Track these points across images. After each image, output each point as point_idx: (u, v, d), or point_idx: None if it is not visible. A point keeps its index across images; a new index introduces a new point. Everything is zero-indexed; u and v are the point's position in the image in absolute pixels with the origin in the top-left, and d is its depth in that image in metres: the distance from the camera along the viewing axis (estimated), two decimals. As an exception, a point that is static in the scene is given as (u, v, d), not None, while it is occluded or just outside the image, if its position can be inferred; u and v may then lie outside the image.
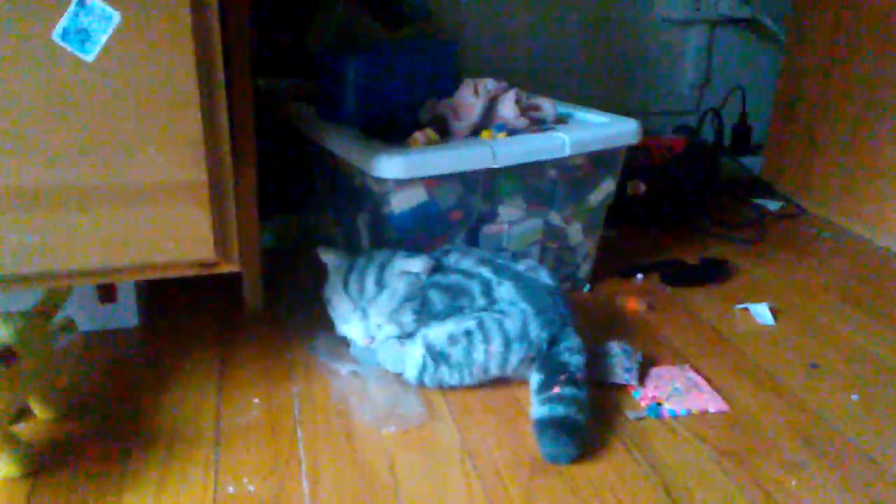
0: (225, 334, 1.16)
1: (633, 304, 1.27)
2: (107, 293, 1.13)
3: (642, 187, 1.58)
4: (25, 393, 0.89)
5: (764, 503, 0.82)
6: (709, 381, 1.05)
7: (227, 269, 0.92)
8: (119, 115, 0.81)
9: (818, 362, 1.10)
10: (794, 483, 0.85)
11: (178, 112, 0.84)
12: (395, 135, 1.16)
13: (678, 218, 1.63)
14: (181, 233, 0.86)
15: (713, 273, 1.39)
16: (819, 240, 1.58)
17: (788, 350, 1.14)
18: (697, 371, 1.07)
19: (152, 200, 0.84)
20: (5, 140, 0.79)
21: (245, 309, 1.21)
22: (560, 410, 0.91)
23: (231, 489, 0.83)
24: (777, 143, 1.83)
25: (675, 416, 0.97)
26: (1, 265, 0.83)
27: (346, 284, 1.06)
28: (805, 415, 0.98)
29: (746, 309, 1.26)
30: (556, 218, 1.25)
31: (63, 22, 0.77)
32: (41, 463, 0.86)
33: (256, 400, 1.00)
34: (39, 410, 0.93)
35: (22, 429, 0.92)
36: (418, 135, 1.15)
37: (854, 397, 1.02)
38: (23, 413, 0.93)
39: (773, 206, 1.74)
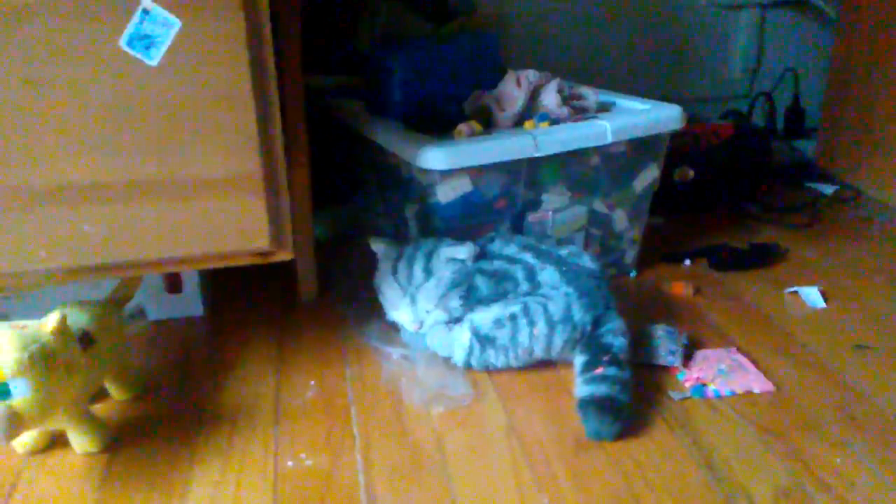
0: (282, 322, 1.22)
1: (680, 289, 1.28)
2: (173, 284, 1.20)
3: (690, 173, 1.58)
4: (102, 375, 0.97)
5: (806, 478, 0.83)
6: (755, 362, 1.06)
7: (282, 257, 0.97)
8: (180, 114, 0.87)
9: (866, 344, 1.10)
10: (837, 460, 0.86)
11: (234, 110, 0.89)
12: (440, 127, 1.20)
13: (727, 203, 1.63)
14: (239, 223, 0.92)
15: (762, 257, 1.38)
16: (873, 223, 1.55)
17: (836, 332, 1.14)
18: (744, 353, 1.08)
19: (212, 193, 0.90)
20: (79, 139, 0.85)
21: (300, 297, 1.27)
22: (603, 389, 0.94)
23: (290, 463, 0.89)
24: (831, 126, 1.80)
25: (719, 397, 0.99)
26: (77, 256, 0.90)
27: (395, 272, 1.10)
28: (850, 394, 0.98)
29: (796, 292, 1.25)
30: (600, 205, 1.27)
31: (129, 29, 0.83)
32: (117, 439, 0.93)
33: (312, 382, 1.05)
34: (115, 391, 1.01)
35: (99, 408, 0.99)
36: (463, 126, 1.18)
37: (903, 377, 1.01)
38: (100, 393, 1.01)
39: (827, 189, 1.72)
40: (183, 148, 0.89)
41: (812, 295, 1.23)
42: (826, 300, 1.23)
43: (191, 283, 1.21)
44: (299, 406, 1.00)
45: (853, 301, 1.23)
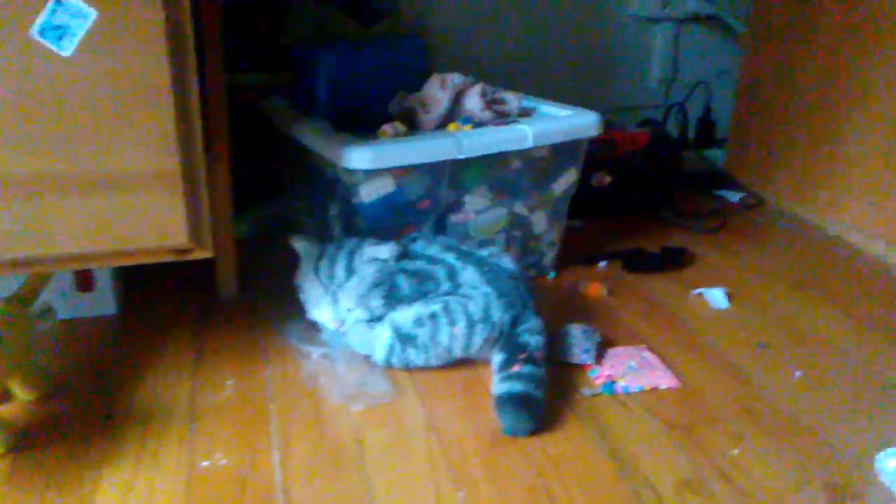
0: (200, 321, 1.20)
1: (595, 290, 1.33)
2: (85, 282, 1.17)
3: (607, 178, 1.64)
4: (6, 375, 0.93)
5: (706, 468, 0.88)
6: (663, 360, 1.11)
7: (200, 255, 0.96)
8: (95, 107, 0.85)
9: (766, 342, 1.17)
10: (736, 452, 0.91)
11: (152, 104, 0.87)
12: (365, 127, 1.20)
13: (641, 208, 1.69)
14: (156, 220, 0.90)
15: (673, 260, 1.44)
16: (775, 229, 1.64)
17: (739, 331, 1.20)
18: (653, 351, 1.13)
19: (127, 188, 0.88)
20: (-15, 131, 0.82)
21: (219, 296, 1.25)
22: (519, 387, 0.97)
23: (205, 463, 0.88)
24: (739, 137, 1.90)
25: (628, 393, 1.03)
26: (-18, 251, 0.86)
27: (316, 270, 1.10)
28: (750, 390, 1.04)
29: (702, 294, 1.32)
30: (520, 207, 1.30)
31: (41, 19, 0.81)
32: (22, 441, 0.90)
33: (230, 381, 1.04)
34: (20, 392, 0.97)
35: (3, 409, 0.96)
36: (387, 127, 1.19)
37: (797, 374, 1.08)
38: (4, 394, 0.97)
39: (734, 197, 1.81)
40: (97, 141, 0.87)
41: (717, 296, 1.30)
42: (730, 301, 1.29)
43: (103, 281, 1.18)
44: (216, 405, 0.99)
45: (755, 302, 1.30)
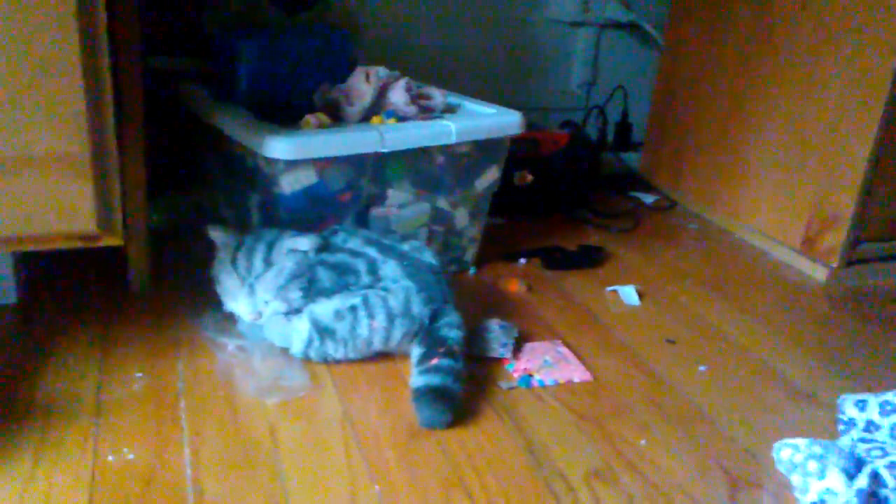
0: (109, 311, 1.15)
1: (514, 286, 1.35)
2: (-18, 268, 1.10)
3: (529, 177, 1.67)
4: None
5: (614, 458, 0.91)
6: (577, 354, 1.14)
7: (109, 242, 0.92)
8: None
9: (674, 338, 1.22)
10: (642, 442, 0.95)
11: (60, 85, 0.84)
12: (287, 117, 1.18)
13: (561, 207, 1.73)
14: (62, 204, 0.86)
15: (589, 258, 1.49)
16: (686, 230, 1.71)
17: (649, 327, 1.25)
18: (568, 346, 1.16)
19: (32, 170, 0.84)
20: None
21: (130, 286, 1.21)
22: (437, 380, 0.97)
23: (111, 458, 0.84)
24: (653, 141, 1.97)
25: (543, 386, 1.05)
26: None
27: (234, 261, 1.08)
28: (658, 383, 1.08)
29: (616, 291, 1.36)
30: (443, 203, 1.31)
31: (-63, -14, 0.76)
32: None
33: (139, 374, 1.00)
34: None
35: None
36: (310, 118, 1.18)
37: (702, 368, 1.13)
38: None
39: (648, 199, 1.87)
40: (1, 121, 0.82)
41: (630, 294, 1.35)
42: (641, 298, 1.34)
43: (1, 267, 1.11)
44: (124, 399, 0.95)
45: (664, 300, 1.36)
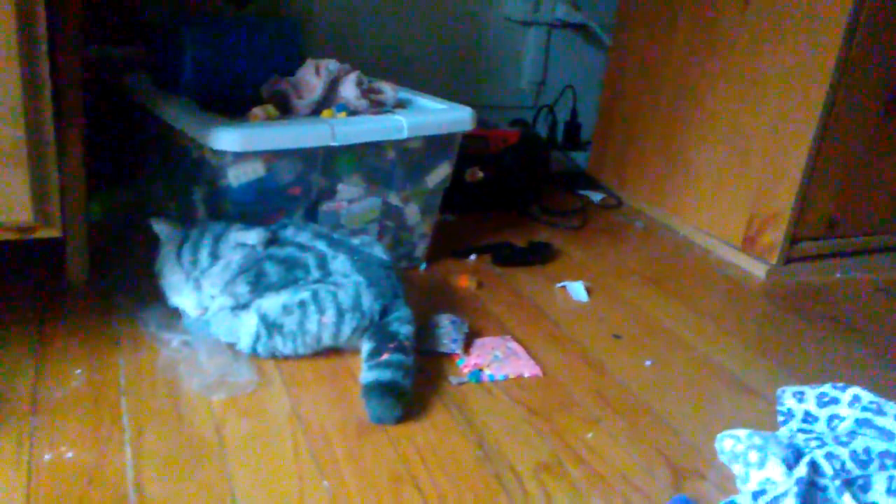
0: (46, 306, 1.11)
1: (465, 282, 1.36)
2: None
3: (479, 174, 1.67)
4: None
5: (562, 451, 0.92)
6: (527, 349, 1.14)
7: (46, 234, 0.89)
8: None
9: (621, 333, 1.24)
10: (590, 435, 0.96)
11: (-5, 70, 0.80)
12: (234, 109, 1.16)
13: (511, 204, 1.74)
14: (-5, 194, 0.83)
15: (538, 255, 1.50)
16: (632, 228, 1.75)
17: (597, 323, 1.27)
18: (517, 341, 1.17)
19: (-37, 158, 0.80)
20: None
21: (68, 279, 1.17)
22: (387, 375, 0.97)
23: (47, 457, 0.81)
24: (601, 140, 2.00)
25: (493, 381, 1.06)
26: None
27: (179, 255, 1.05)
28: (605, 378, 1.10)
29: (564, 287, 1.38)
30: (394, 198, 1.30)
31: None
32: None
33: (78, 371, 0.97)
34: None
35: None
36: (258, 110, 1.16)
37: (647, 363, 1.15)
38: None
39: (596, 197, 1.90)
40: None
41: (578, 290, 1.36)
42: (590, 295, 1.36)
43: (-69, 261, 1.06)
44: (62, 397, 0.92)
45: (612, 296, 1.38)
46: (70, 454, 0.82)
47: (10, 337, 1.02)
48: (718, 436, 0.95)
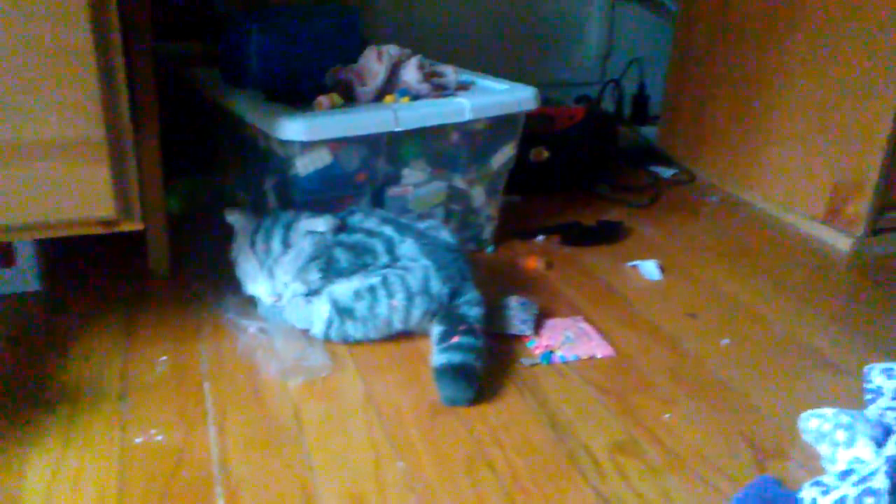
0: (131, 297, 1.16)
1: (533, 263, 1.35)
2: (4, 256, 1.11)
3: (545, 154, 1.65)
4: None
5: (638, 432, 0.91)
6: (599, 330, 1.13)
7: (128, 227, 0.93)
8: (13, 71, 0.81)
9: (696, 312, 1.20)
10: (666, 416, 0.94)
11: (74, 71, 0.84)
12: (299, 99, 1.18)
13: (578, 183, 1.72)
14: (80, 190, 0.87)
15: (608, 234, 1.47)
16: (706, 203, 1.69)
17: (671, 301, 1.24)
18: (589, 322, 1.15)
19: (50, 157, 0.84)
20: None
21: (151, 271, 1.22)
22: (458, 357, 0.97)
23: (138, 440, 0.85)
24: (671, 113, 1.94)
25: (565, 362, 1.05)
26: None
27: (252, 244, 1.08)
28: (680, 357, 1.08)
29: (636, 266, 1.35)
30: (459, 181, 1.30)
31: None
32: (-60, 423, 0.86)
33: (164, 358, 1.01)
34: (-64, 372, 0.93)
35: (-82, 391, 0.91)
36: (323, 99, 1.17)
37: (724, 341, 1.12)
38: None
39: (667, 172, 1.85)
40: (16, 108, 0.83)
41: (651, 268, 1.33)
42: (663, 273, 1.33)
43: (25, 256, 1.12)
44: (149, 382, 0.96)
45: (686, 273, 1.34)
46: (160, 437, 0.86)
47: (101, 326, 1.08)
48: (803, 415, 0.92)
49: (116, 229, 0.93)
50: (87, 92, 0.85)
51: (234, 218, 1.12)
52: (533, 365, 1.04)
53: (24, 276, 1.14)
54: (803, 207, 1.54)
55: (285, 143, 1.10)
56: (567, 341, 1.09)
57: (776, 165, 1.60)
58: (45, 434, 0.85)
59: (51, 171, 0.85)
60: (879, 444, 0.82)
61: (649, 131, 2.03)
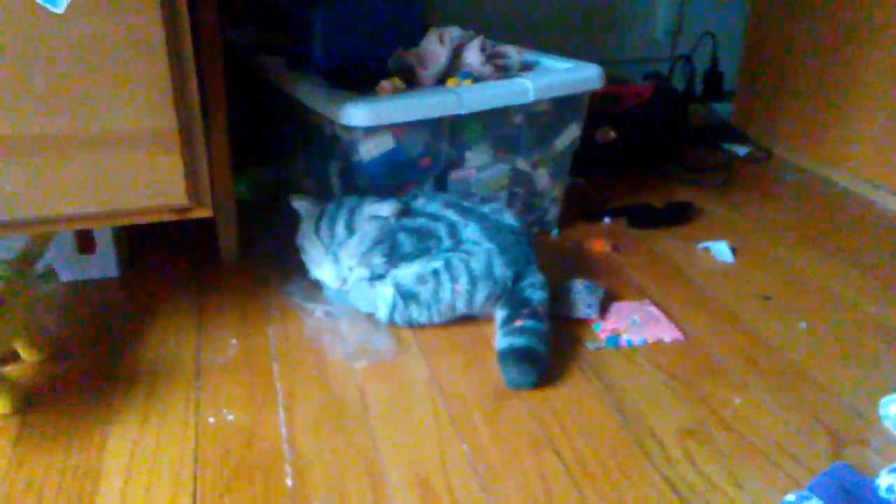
0: (203, 282, 1.20)
1: (599, 246, 1.32)
2: (86, 244, 1.17)
3: (611, 134, 1.62)
4: (11, 336, 0.94)
5: (708, 417, 0.88)
6: (667, 313, 1.10)
7: (200, 214, 0.95)
8: (89, 65, 0.84)
9: (771, 294, 1.16)
10: (738, 401, 0.91)
11: (146, 61, 0.86)
12: (362, 84, 1.19)
13: (646, 163, 1.67)
14: (153, 178, 0.90)
15: (678, 215, 1.43)
16: (783, 182, 1.62)
17: (744, 284, 1.20)
18: (657, 305, 1.12)
19: (124, 147, 0.87)
20: (-21, 91, 0.82)
21: (221, 257, 1.25)
22: (522, 341, 0.97)
23: (211, 419, 0.88)
24: (746, 89, 1.87)
25: (631, 346, 1.03)
26: (-19, 213, 0.86)
27: (317, 230, 1.10)
28: (754, 342, 1.04)
29: (707, 248, 1.31)
30: (522, 163, 1.29)
31: (29, -26, 0.80)
32: (30, 401, 0.91)
33: (234, 340, 1.04)
34: (26, 353, 0.98)
35: (10, 370, 0.96)
36: (385, 83, 1.18)
37: (801, 325, 1.07)
38: (10, 356, 0.97)
39: (741, 150, 1.78)
40: (93, 99, 0.86)
41: (723, 250, 1.29)
42: (735, 255, 1.29)
43: (104, 243, 1.17)
44: (221, 364, 0.99)
45: (760, 256, 1.29)
46: (231, 417, 0.89)
47: (175, 310, 1.12)
48: (883, 400, 0.88)
49: (189, 216, 0.95)
50: (159, 83, 0.87)
51: (299, 204, 1.14)
52: (598, 349, 1.02)
53: (103, 263, 1.19)
54: (889, 184, 1.46)
55: (349, 129, 1.11)
56: (634, 325, 1.07)
57: (859, 140, 1.52)
58: (124, 413, 0.89)
59: (126, 161, 0.88)
60: (971, 433, 0.78)
61: (723, 108, 1.95)
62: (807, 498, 0.73)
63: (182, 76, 0.90)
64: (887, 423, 0.86)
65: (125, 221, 0.94)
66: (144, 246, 1.30)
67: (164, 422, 0.88)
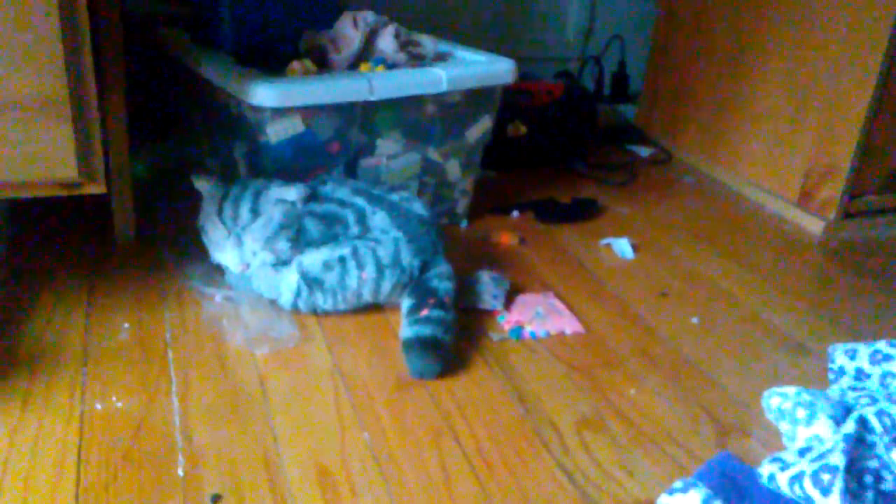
0: (95, 263, 1.14)
1: (507, 238, 1.34)
2: (-36, 218, 1.08)
3: (522, 129, 1.64)
4: None
5: (605, 408, 0.91)
6: (569, 306, 1.13)
7: (92, 190, 0.90)
8: (-32, 23, 0.78)
9: (667, 290, 1.21)
10: (633, 392, 0.95)
11: (37, 27, 0.81)
12: (272, 64, 1.15)
13: (555, 160, 1.71)
14: (41, 150, 0.84)
15: (583, 211, 1.47)
16: (681, 183, 1.69)
17: (642, 280, 1.24)
18: (560, 298, 1.15)
19: (9, 113, 0.81)
20: None
21: (116, 236, 1.19)
22: (427, 330, 0.97)
23: (99, 406, 0.84)
24: (651, 92, 1.94)
25: (535, 338, 1.05)
26: None
27: (220, 212, 1.06)
28: (649, 335, 1.08)
29: (609, 244, 1.35)
30: (434, 154, 1.28)
31: None
32: None
33: (126, 324, 0.99)
34: None
35: None
36: (296, 64, 1.15)
37: (694, 320, 1.13)
38: None
39: (644, 151, 1.85)
40: (-28, 62, 0.80)
41: (624, 247, 1.33)
42: (636, 252, 1.33)
43: (-15, 218, 1.10)
44: (111, 349, 0.94)
45: (659, 253, 1.35)
46: (120, 403, 0.85)
47: (62, 291, 1.05)
48: (766, 393, 0.93)
49: (80, 192, 0.90)
50: (50, 48, 0.82)
51: (201, 184, 1.10)
52: (502, 340, 1.04)
53: (-17, 239, 1.11)
54: (777, 190, 1.55)
55: (257, 109, 1.08)
56: (537, 317, 1.09)
57: (752, 147, 1.61)
58: (5, 397, 0.84)
59: (9, 130, 0.82)
60: (839, 422, 0.83)
61: (628, 110, 2.02)
62: (693, 485, 0.76)
63: (75, 42, 0.85)
64: (769, 416, 0.91)
65: (8, 195, 0.88)
66: (30, 223, 1.22)
67: (48, 407, 0.83)
